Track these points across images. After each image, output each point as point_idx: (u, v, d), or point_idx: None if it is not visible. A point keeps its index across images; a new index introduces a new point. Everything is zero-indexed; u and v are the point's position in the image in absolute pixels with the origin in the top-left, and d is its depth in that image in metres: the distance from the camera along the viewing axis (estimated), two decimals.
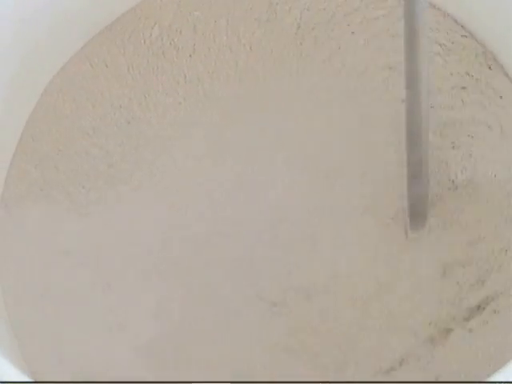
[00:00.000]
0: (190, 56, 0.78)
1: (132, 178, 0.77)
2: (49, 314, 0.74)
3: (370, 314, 0.72)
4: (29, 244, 0.75)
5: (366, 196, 0.75)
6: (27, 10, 0.73)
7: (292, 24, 0.79)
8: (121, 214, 0.76)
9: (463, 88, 0.77)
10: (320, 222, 0.75)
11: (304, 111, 0.77)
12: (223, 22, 0.79)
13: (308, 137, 0.77)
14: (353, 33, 0.79)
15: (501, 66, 0.78)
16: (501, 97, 0.77)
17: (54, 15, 0.75)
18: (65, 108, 0.78)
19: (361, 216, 0.75)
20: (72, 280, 0.74)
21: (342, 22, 0.79)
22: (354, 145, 0.77)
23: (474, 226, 0.74)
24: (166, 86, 0.78)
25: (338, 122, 0.77)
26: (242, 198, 0.76)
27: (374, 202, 0.75)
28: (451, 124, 0.76)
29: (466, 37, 0.78)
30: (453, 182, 0.75)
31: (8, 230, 0.76)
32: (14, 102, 0.76)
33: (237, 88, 0.78)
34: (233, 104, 0.78)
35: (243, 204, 0.75)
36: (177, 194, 0.76)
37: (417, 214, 0.73)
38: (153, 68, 0.79)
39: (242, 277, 0.74)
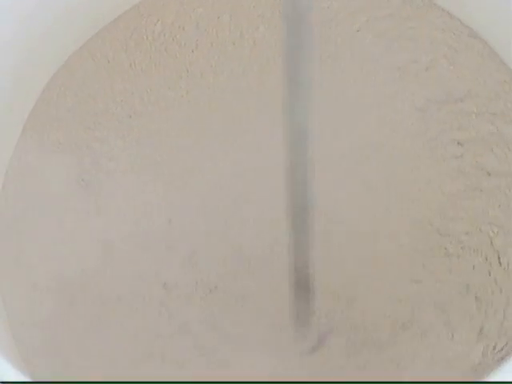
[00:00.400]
0: (193, 51, 0.78)
1: (133, 171, 0.76)
2: (48, 312, 0.72)
3: None
4: (29, 239, 0.74)
5: None
6: (29, 5, 0.73)
7: None
8: (122, 207, 0.75)
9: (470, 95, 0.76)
10: None
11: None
12: (226, 18, 0.79)
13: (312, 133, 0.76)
14: (358, 31, 0.78)
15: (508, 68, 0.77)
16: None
17: (57, 11, 0.75)
18: (66, 102, 0.78)
19: None
20: (71, 277, 0.73)
21: (346, 20, 0.79)
22: (358, 144, 0.76)
23: None
24: (169, 81, 0.78)
25: (343, 120, 0.77)
26: (243, 190, 0.75)
27: None
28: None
29: (472, 37, 0.78)
30: None
31: (8, 224, 0.75)
32: (15, 95, 0.75)
33: (240, 82, 0.78)
34: (236, 98, 0.77)
35: (244, 197, 0.75)
36: (178, 187, 0.75)
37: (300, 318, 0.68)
38: (155, 64, 0.78)
39: None
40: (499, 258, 0.71)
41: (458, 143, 0.75)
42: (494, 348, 0.69)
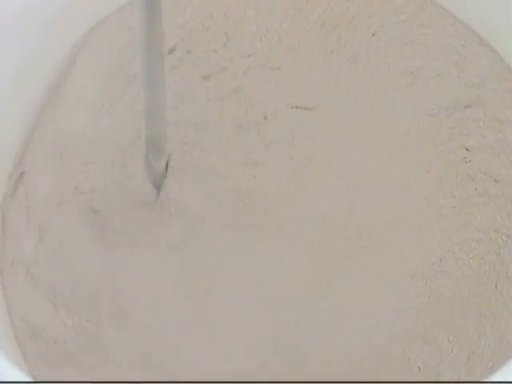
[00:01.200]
0: (224, 45, 0.78)
1: None
2: (48, 313, 0.71)
3: None
4: (31, 235, 0.73)
5: None
6: None
7: (315, 21, 0.80)
8: None
9: (478, 102, 0.77)
10: None
11: (330, 107, 0.78)
12: (252, 12, 0.79)
13: (330, 132, 0.77)
14: (373, 35, 0.79)
15: None
16: None
17: None
18: (94, 69, 0.78)
19: None
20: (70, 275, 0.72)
21: (363, 23, 0.80)
22: (369, 146, 0.77)
23: None
24: (198, 62, 0.78)
25: (355, 121, 0.77)
26: (257, 186, 0.75)
27: None
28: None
29: (483, 45, 0.79)
30: None
31: (11, 219, 0.74)
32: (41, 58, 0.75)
33: (266, 76, 0.78)
34: (262, 93, 0.78)
35: (256, 193, 0.75)
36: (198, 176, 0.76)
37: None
38: (183, 44, 0.78)
39: None
40: (507, 269, 0.72)
41: (466, 149, 0.76)
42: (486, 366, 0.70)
